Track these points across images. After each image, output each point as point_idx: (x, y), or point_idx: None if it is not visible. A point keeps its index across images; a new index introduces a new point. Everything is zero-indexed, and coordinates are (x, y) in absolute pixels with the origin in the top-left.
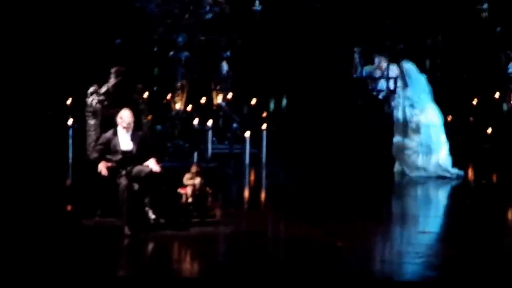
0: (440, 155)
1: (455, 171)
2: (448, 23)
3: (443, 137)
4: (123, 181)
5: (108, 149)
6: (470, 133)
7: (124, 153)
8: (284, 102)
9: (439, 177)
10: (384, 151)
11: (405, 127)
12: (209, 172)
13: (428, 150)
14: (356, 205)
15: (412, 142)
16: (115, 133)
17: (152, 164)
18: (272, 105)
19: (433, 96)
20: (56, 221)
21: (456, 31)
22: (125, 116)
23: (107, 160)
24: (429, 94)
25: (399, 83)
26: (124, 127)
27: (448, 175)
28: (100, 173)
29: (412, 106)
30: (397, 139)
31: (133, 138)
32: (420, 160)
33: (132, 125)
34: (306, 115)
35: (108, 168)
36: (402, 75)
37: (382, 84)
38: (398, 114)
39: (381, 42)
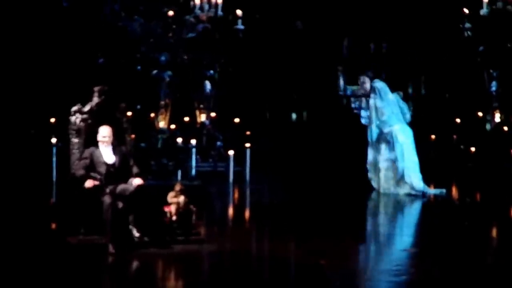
0: (407, 173)
1: (422, 189)
2: (431, 42)
3: (413, 156)
4: (107, 199)
5: (92, 163)
6: (453, 151)
7: (108, 165)
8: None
9: (406, 194)
10: (363, 168)
11: (376, 145)
12: (193, 190)
13: (395, 168)
14: (339, 223)
15: (381, 159)
16: (96, 147)
17: (137, 180)
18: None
19: (408, 115)
20: (41, 239)
21: (439, 50)
22: (101, 131)
23: (93, 178)
24: (400, 113)
25: (371, 102)
26: (101, 140)
27: (413, 192)
28: (86, 189)
29: (381, 124)
30: (370, 156)
31: (114, 152)
32: (388, 177)
33: (110, 139)
34: (290, 132)
35: (94, 186)
36: (374, 93)
37: (364, 104)
38: (371, 131)
39: (365, 62)
